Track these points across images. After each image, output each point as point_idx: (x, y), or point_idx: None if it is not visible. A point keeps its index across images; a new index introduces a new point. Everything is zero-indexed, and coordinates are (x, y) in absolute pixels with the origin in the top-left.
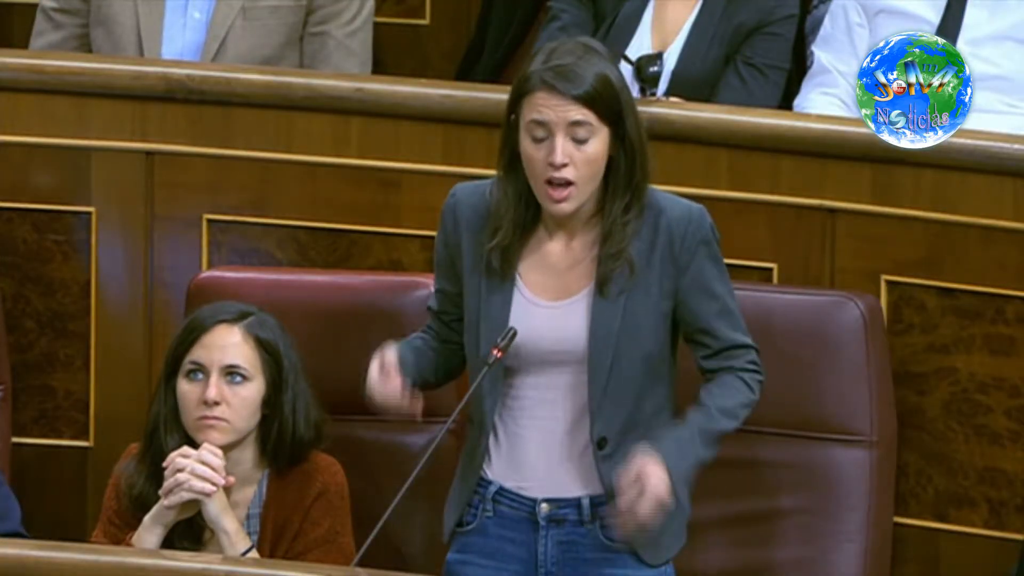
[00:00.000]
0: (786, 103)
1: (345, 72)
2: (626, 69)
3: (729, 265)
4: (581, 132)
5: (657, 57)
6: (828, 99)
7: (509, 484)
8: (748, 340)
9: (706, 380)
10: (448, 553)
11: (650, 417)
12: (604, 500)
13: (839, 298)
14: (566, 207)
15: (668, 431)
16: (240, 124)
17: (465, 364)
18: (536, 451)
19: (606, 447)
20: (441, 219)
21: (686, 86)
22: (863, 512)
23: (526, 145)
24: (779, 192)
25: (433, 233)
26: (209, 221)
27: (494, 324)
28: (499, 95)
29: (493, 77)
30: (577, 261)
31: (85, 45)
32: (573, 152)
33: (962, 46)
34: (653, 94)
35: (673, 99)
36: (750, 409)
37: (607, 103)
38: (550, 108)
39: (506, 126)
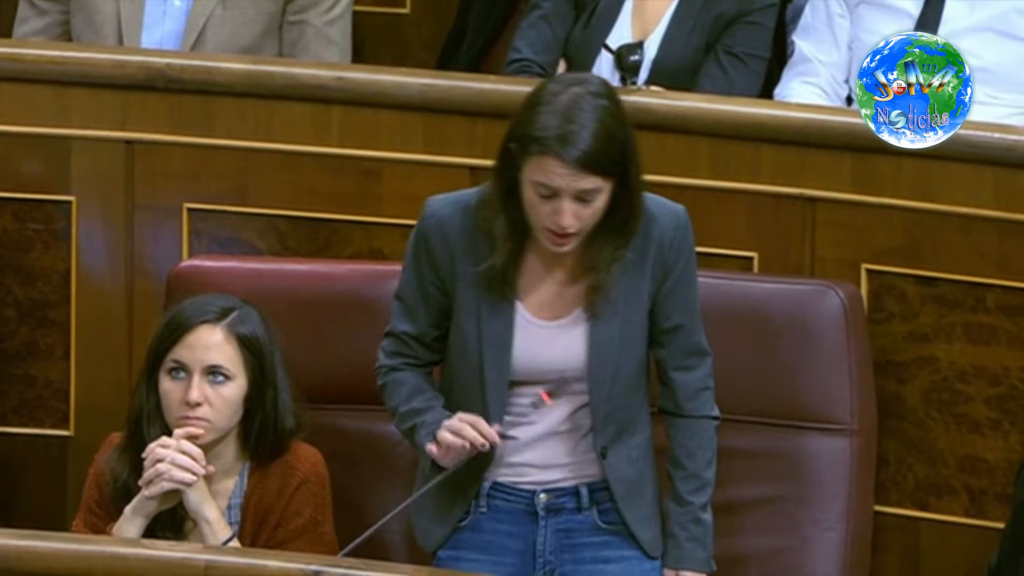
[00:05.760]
0: (767, 92)
1: (325, 61)
2: (607, 58)
3: (709, 254)
4: (588, 195)
5: (638, 46)
6: (809, 88)
7: (504, 479)
8: (706, 345)
9: (680, 418)
10: (438, 550)
11: (636, 413)
12: (601, 487)
13: (819, 287)
14: (566, 249)
15: (677, 529)
16: (220, 113)
17: None
18: (534, 454)
19: (607, 455)
20: (421, 237)
21: (667, 75)
22: (843, 501)
23: (530, 195)
24: (759, 181)
25: (413, 222)
26: (189, 210)
27: (498, 347)
28: (480, 84)
29: (474, 66)
30: (572, 277)
31: (68, 32)
32: (579, 211)
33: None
34: (634, 83)
35: (654, 88)
36: (716, 434)
37: (615, 162)
38: (560, 176)
39: (503, 155)
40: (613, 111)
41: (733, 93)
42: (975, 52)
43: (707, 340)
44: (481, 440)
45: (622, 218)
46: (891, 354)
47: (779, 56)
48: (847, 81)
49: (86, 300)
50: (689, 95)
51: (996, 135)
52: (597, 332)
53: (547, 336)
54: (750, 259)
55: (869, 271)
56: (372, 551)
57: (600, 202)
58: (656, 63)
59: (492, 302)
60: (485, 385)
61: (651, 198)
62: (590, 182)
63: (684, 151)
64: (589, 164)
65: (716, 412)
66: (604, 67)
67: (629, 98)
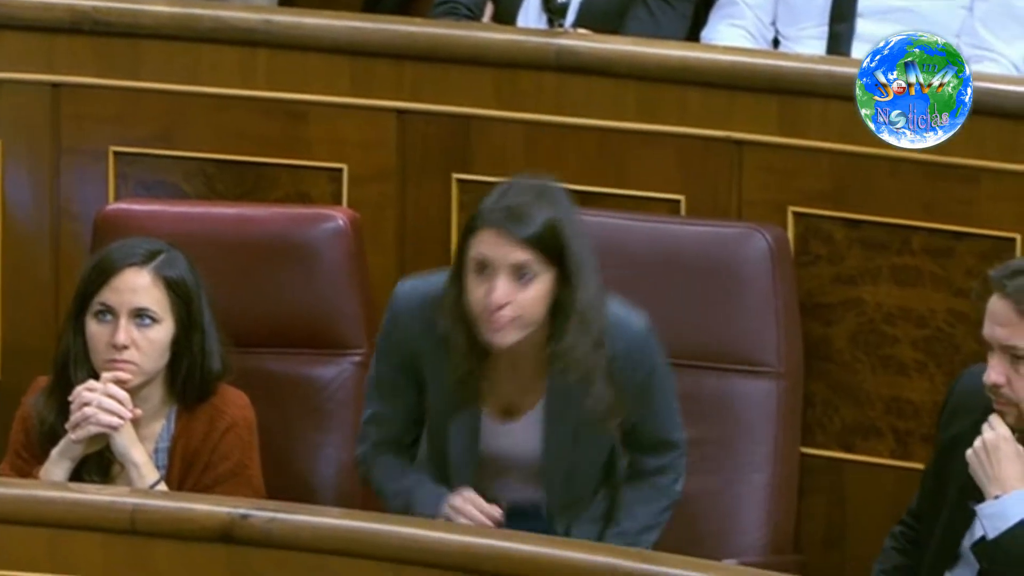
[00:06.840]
0: (693, 35)
1: (252, 4)
2: (535, 1)
3: (636, 197)
4: (523, 270)
5: None
6: (735, 31)
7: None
8: (676, 436)
9: (635, 482)
10: None
11: (597, 486)
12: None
13: (746, 230)
14: (506, 338)
15: None
16: (147, 56)
17: None
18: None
19: (571, 532)
20: (390, 327)
21: (594, 18)
22: (770, 443)
23: (471, 281)
24: (686, 124)
25: (340, 165)
26: (116, 153)
27: (463, 448)
28: (407, 27)
29: (401, 8)
30: (529, 375)
31: None
32: (514, 293)
33: None
34: (561, 25)
35: (581, 31)
36: (671, 510)
37: (549, 240)
38: (493, 245)
39: (456, 258)
40: (565, 212)
41: (660, 36)
42: None
43: (682, 430)
44: (483, 520)
45: (569, 315)
46: (818, 297)
47: None
48: (773, 23)
49: (12, 243)
50: (616, 38)
51: None
52: (552, 432)
53: (505, 434)
54: (677, 202)
55: (796, 214)
56: (300, 495)
57: (536, 290)
58: (583, 5)
59: (457, 403)
60: (451, 477)
61: (614, 309)
62: (522, 254)
63: (611, 94)
64: (525, 236)
65: (676, 490)
66: (531, 10)
67: (556, 41)
